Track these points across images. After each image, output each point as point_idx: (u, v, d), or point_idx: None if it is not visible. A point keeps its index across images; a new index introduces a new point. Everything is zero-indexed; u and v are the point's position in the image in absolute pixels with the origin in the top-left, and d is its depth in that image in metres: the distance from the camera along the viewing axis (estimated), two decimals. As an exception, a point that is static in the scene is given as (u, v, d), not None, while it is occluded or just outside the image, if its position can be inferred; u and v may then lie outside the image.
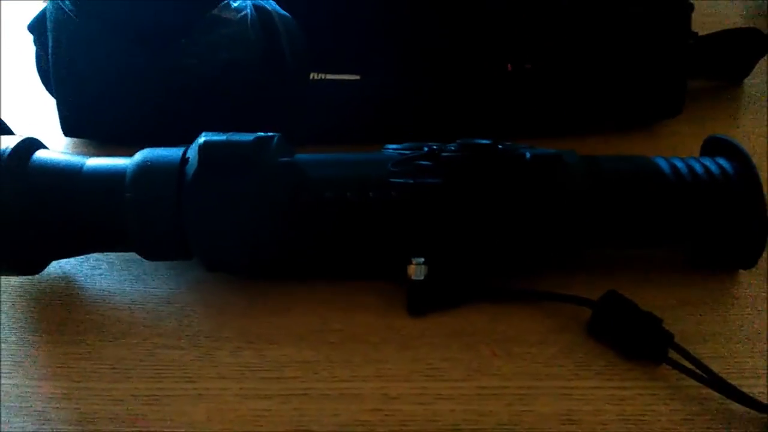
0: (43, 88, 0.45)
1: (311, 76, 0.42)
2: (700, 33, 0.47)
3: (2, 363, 0.31)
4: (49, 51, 0.42)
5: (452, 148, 0.33)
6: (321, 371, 0.31)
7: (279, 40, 0.41)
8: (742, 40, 0.49)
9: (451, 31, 0.42)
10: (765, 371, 0.31)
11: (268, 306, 0.34)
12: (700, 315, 0.34)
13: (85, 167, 0.32)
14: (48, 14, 0.42)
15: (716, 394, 0.30)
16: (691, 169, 0.34)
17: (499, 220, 0.32)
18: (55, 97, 0.43)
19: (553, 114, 0.44)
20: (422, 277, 0.33)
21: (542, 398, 0.30)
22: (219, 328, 0.33)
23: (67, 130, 0.44)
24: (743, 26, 0.49)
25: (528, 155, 0.32)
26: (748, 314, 0.34)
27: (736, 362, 0.31)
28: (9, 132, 0.39)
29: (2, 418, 0.29)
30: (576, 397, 0.30)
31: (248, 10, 0.40)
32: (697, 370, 0.30)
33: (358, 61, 0.43)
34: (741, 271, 0.36)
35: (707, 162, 0.34)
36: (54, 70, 0.42)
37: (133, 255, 0.33)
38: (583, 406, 0.30)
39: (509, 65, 0.42)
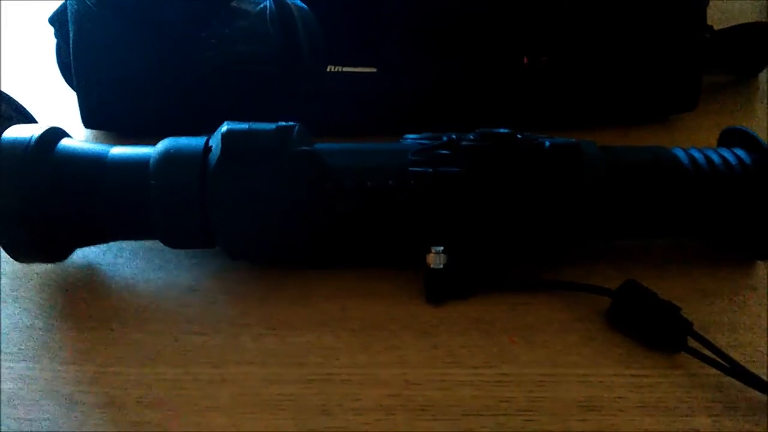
0: (64, 80, 0.45)
1: (328, 69, 0.43)
2: (716, 27, 0.47)
3: (30, 348, 0.32)
4: (70, 43, 0.42)
5: (471, 137, 0.33)
6: (342, 357, 0.31)
7: (297, 33, 0.41)
8: (757, 33, 0.49)
9: (467, 24, 0.43)
10: (783, 359, 0.31)
11: (289, 293, 0.34)
12: (719, 304, 0.34)
13: (109, 156, 0.33)
14: (69, 7, 0.43)
15: (736, 382, 0.30)
16: (709, 159, 0.34)
17: (518, 209, 0.32)
18: (75, 90, 0.44)
19: (569, 107, 0.44)
20: (441, 266, 0.33)
21: (562, 385, 0.30)
22: (241, 314, 0.33)
23: (88, 121, 0.44)
24: (759, 20, 0.50)
25: (547, 144, 0.33)
26: (766, 304, 0.34)
27: (755, 351, 0.32)
28: (33, 121, 0.40)
29: (32, 401, 0.29)
30: (595, 385, 0.30)
31: (266, 3, 0.41)
32: (717, 358, 0.30)
33: (375, 53, 0.43)
34: (758, 261, 0.36)
35: (725, 153, 0.35)
36: (74, 63, 0.43)
37: (156, 243, 0.34)
38: (602, 393, 0.30)
39: (525, 58, 0.43)
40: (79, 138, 0.44)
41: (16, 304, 0.34)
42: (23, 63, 0.52)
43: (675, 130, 0.46)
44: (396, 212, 0.33)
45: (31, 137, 0.32)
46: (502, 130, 0.33)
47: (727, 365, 0.30)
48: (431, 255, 0.33)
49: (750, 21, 0.49)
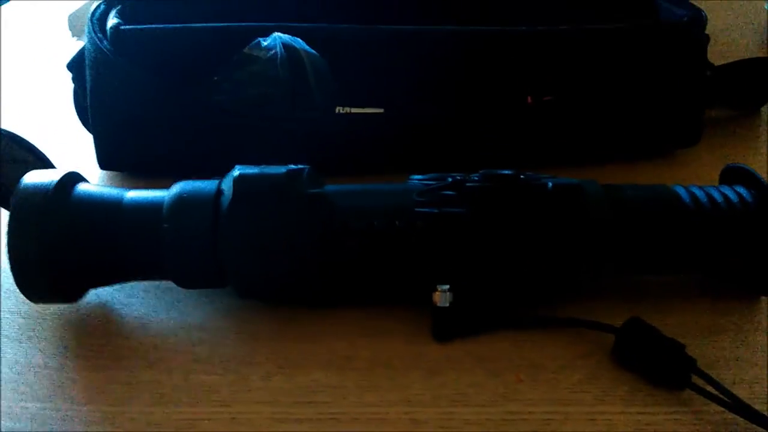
0: (80, 123, 0.47)
1: (337, 110, 0.44)
2: (717, 63, 0.48)
3: (44, 388, 0.32)
4: (87, 88, 0.44)
5: (476, 178, 0.34)
6: (349, 396, 0.32)
7: (306, 77, 0.42)
8: (758, 69, 0.50)
9: (471, 65, 0.44)
10: (789, 396, 0.31)
11: (297, 332, 0.35)
12: (723, 341, 0.34)
13: (124, 199, 0.34)
14: (86, 53, 0.44)
15: (741, 419, 0.30)
16: (710, 197, 0.35)
17: (522, 248, 0.33)
18: (92, 133, 0.45)
19: (574, 144, 0.45)
20: (447, 304, 0.33)
21: (568, 423, 0.30)
22: (251, 353, 0.34)
23: (104, 163, 0.45)
24: (759, 56, 0.50)
25: (550, 185, 0.33)
26: (771, 340, 0.34)
27: (760, 387, 0.32)
28: (49, 163, 0.41)
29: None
30: (601, 423, 0.30)
31: (277, 49, 0.42)
32: (721, 395, 0.30)
33: (382, 95, 0.44)
34: (762, 297, 0.36)
35: (726, 190, 0.35)
36: (91, 107, 0.44)
37: (168, 283, 0.35)
38: (608, 430, 0.30)
39: (529, 98, 0.44)
40: (96, 178, 0.45)
41: (30, 344, 0.34)
42: (43, 107, 0.54)
43: (679, 165, 0.46)
44: (403, 252, 0.33)
45: (50, 182, 0.33)
46: (505, 171, 0.34)
47: (731, 402, 0.30)
48: (437, 293, 0.33)
49: (751, 56, 0.50)
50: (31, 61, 0.62)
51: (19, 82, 0.58)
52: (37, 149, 0.41)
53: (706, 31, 0.45)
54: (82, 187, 0.34)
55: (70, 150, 0.47)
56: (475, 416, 0.31)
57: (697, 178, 0.37)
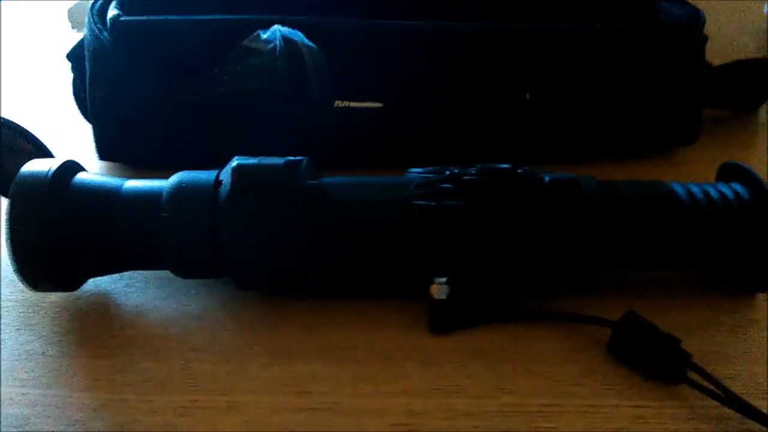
0: (80, 113, 0.47)
1: (336, 104, 0.44)
2: (715, 63, 0.48)
3: (44, 375, 0.32)
4: (86, 79, 0.44)
5: (473, 172, 0.34)
6: (346, 387, 0.32)
7: (305, 70, 0.42)
8: (756, 69, 0.50)
9: (472, 61, 0.44)
10: (783, 392, 0.32)
11: (295, 323, 0.35)
12: (719, 336, 0.34)
13: (123, 189, 0.34)
14: (86, 44, 0.44)
15: (736, 414, 0.30)
16: (706, 194, 0.35)
17: (518, 242, 0.33)
18: (91, 123, 0.45)
19: (572, 142, 0.45)
20: (444, 297, 0.34)
21: (564, 416, 0.30)
22: (249, 343, 0.34)
23: (103, 154, 0.46)
24: (757, 56, 0.51)
25: (546, 179, 0.34)
26: (767, 335, 0.34)
27: (755, 383, 0.32)
28: (49, 154, 0.41)
29: (44, 427, 0.30)
30: (597, 415, 0.31)
31: (277, 42, 0.42)
32: (716, 390, 0.30)
33: (381, 89, 0.44)
34: (758, 293, 0.36)
35: (722, 187, 0.35)
36: (90, 98, 0.44)
37: (167, 273, 0.35)
38: (604, 423, 0.30)
39: (528, 95, 0.44)
40: (93, 169, 0.45)
41: (30, 332, 0.35)
42: (43, 97, 0.54)
43: (676, 164, 0.47)
44: (400, 244, 0.33)
45: (48, 171, 0.33)
46: (502, 165, 0.34)
47: (726, 397, 0.30)
48: (434, 286, 0.34)
49: (748, 57, 0.50)
50: (31, 52, 0.62)
51: (20, 73, 0.58)
52: (37, 139, 0.41)
53: (705, 31, 0.46)
54: (81, 176, 0.34)
55: (69, 140, 0.47)
56: (471, 407, 0.31)
57: (694, 175, 0.37)
